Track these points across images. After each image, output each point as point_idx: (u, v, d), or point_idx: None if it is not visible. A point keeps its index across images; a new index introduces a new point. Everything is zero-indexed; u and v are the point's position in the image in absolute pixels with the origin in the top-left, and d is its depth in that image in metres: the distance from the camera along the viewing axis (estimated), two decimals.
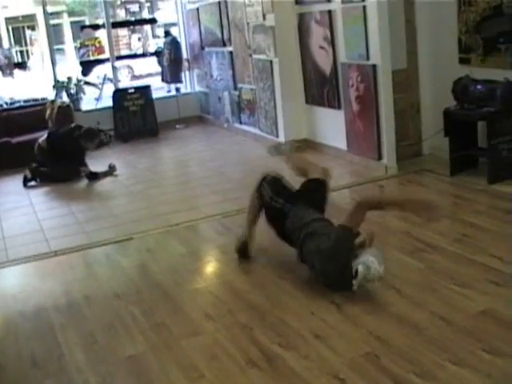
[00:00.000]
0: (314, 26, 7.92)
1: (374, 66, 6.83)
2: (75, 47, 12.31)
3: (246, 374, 3.52)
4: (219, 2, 9.70)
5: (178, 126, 11.10)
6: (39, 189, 8.12)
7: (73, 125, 8.69)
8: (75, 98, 10.57)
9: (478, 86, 6.26)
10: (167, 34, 11.77)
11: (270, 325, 4.01)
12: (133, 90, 10.93)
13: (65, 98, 10.43)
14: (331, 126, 8.04)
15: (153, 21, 12.00)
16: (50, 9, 11.46)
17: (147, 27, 13.52)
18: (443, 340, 3.60)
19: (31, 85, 14.00)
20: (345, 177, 7.18)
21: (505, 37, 6.19)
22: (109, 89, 11.49)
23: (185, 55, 11.56)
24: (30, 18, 15.56)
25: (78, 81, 10.84)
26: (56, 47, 11.52)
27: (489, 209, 5.70)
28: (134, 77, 16.54)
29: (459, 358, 3.41)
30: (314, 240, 4.35)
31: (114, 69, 11.40)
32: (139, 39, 13.54)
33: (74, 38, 12.69)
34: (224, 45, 9.92)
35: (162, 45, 11.84)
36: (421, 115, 7.47)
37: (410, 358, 3.46)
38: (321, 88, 8.07)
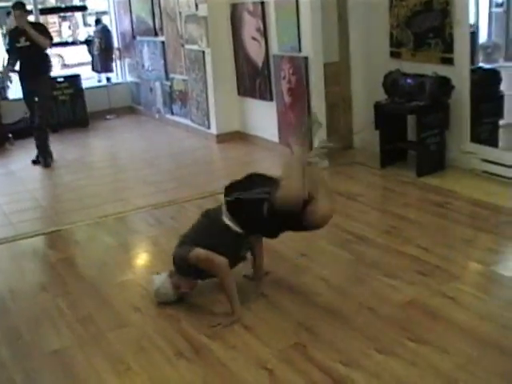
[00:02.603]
0: (247, 17, 7.90)
1: (306, 58, 6.86)
2: (1, 33, 11.96)
3: (174, 365, 3.49)
4: None
5: (108, 117, 10.93)
6: None
7: None
8: (1, 87, 10.27)
9: (408, 80, 6.35)
10: (98, 22, 11.59)
11: (198, 316, 3.99)
12: (62, 79, 10.68)
13: None
14: (263, 118, 8.05)
15: (83, 8, 11.78)
16: None
17: (78, 15, 13.26)
18: (370, 330, 3.65)
19: None
20: (276, 168, 7.18)
21: (434, 32, 6.29)
22: None
23: (116, 44, 11.39)
24: None
25: (4, 69, 10.52)
26: None
27: (417, 201, 5.81)
28: (65, 65, 16.22)
29: (385, 346, 3.45)
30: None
31: None
32: (69, 27, 13.27)
33: (1, 24, 12.32)
34: (156, 34, 9.80)
35: (92, 33, 11.63)
36: (352, 108, 7.53)
37: (337, 347, 3.49)
38: (253, 79, 8.06)
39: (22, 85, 8.32)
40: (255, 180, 4.18)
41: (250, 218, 4.03)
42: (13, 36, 8.22)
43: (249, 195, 4.00)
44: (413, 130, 6.45)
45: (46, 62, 8.27)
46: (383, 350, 3.42)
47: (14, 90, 10.54)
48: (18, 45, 8.03)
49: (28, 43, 7.94)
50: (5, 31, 11.23)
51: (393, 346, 3.46)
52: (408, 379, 3.18)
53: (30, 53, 7.98)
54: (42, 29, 8.25)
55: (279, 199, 3.86)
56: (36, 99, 8.13)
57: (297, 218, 3.91)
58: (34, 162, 8.26)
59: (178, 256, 4.07)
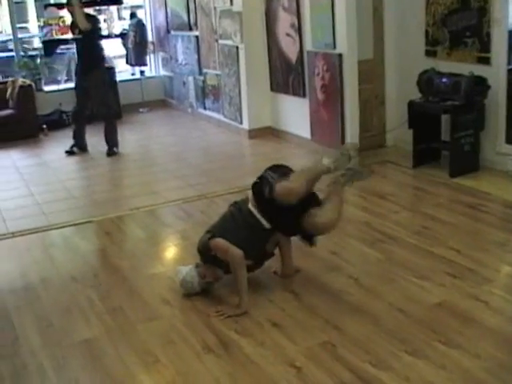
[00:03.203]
0: (282, 13, 7.88)
1: (340, 55, 6.83)
2: (39, 26, 12.07)
3: (202, 359, 3.50)
4: None
5: (141, 110, 10.98)
6: None
7: None
8: (37, 78, 10.38)
9: (443, 79, 6.29)
10: (133, 15, 11.59)
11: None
12: None
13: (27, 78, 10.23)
14: (295, 115, 8.03)
15: (119, 2, 11.80)
16: None
17: (113, 8, 13.31)
18: (399, 331, 3.62)
19: None
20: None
21: (471, 31, 6.22)
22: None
23: (150, 38, 11.42)
24: None
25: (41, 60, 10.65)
26: (19, 25, 11.27)
27: (449, 202, 5.76)
28: None
29: (415, 348, 3.43)
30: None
31: None
32: (105, 20, 13.32)
33: (38, 17, 12.44)
34: (190, 29, 9.82)
35: (127, 27, 11.67)
36: (385, 106, 7.49)
37: (366, 347, 3.47)
38: (286, 76, 8.04)
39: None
40: (276, 168, 4.28)
41: (260, 198, 4.16)
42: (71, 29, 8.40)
43: (264, 177, 4.17)
44: (447, 129, 6.38)
45: (97, 55, 8.33)
46: (413, 352, 3.39)
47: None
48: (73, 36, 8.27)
49: (80, 36, 8.08)
50: (42, 24, 11.33)
51: (422, 347, 3.43)
52: (437, 382, 3.15)
53: (82, 45, 8.19)
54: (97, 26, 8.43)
55: (278, 188, 4.01)
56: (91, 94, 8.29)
57: (296, 214, 4.05)
58: (68, 153, 8.33)
59: (201, 243, 4.18)
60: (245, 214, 4.18)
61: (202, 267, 4.18)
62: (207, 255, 4.15)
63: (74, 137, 8.46)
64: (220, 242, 4.06)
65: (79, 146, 8.45)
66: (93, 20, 8.25)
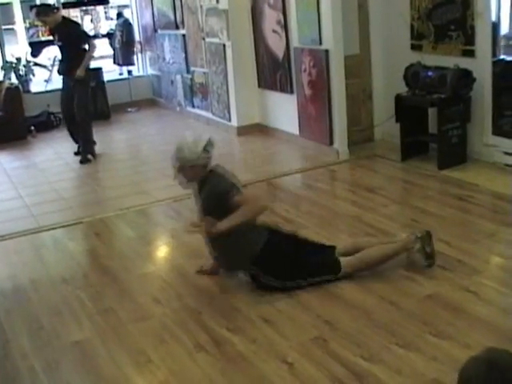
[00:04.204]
0: (268, 10, 7.87)
1: (327, 50, 6.83)
2: (25, 27, 12.04)
3: (194, 358, 3.50)
4: None
5: (129, 109, 10.95)
6: None
7: None
8: (24, 80, 10.35)
9: (429, 73, 6.31)
10: (119, 15, 11.58)
11: (219, 309, 4.00)
12: None
13: (14, 80, 10.19)
14: (283, 111, 8.03)
15: (105, 2, 11.78)
16: None
17: (100, 8, 13.29)
18: (391, 324, 3.63)
19: None
20: (297, 161, 7.20)
21: (456, 24, 6.24)
22: None
23: (137, 37, 11.40)
24: None
25: (28, 62, 10.61)
26: (5, 27, 11.23)
27: (438, 194, 5.78)
28: None
29: (406, 341, 3.44)
30: None
31: None
32: (91, 20, 13.29)
33: (24, 18, 12.41)
34: (177, 27, 9.80)
35: (114, 27, 11.65)
36: (373, 101, 7.50)
37: (357, 341, 3.48)
38: (273, 72, 8.04)
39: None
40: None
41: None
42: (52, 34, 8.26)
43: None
44: (434, 122, 6.39)
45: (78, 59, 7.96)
46: (404, 345, 3.40)
47: (36, 83, 10.67)
48: (55, 43, 8.11)
49: (60, 43, 7.97)
50: (28, 25, 11.30)
51: (414, 340, 3.44)
52: (429, 374, 3.16)
53: (65, 51, 8.03)
54: (78, 32, 8.11)
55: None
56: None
57: None
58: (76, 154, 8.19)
59: (220, 189, 4.09)
60: None
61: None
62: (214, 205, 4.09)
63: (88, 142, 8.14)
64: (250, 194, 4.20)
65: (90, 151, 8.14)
66: (73, 27, 8.10)
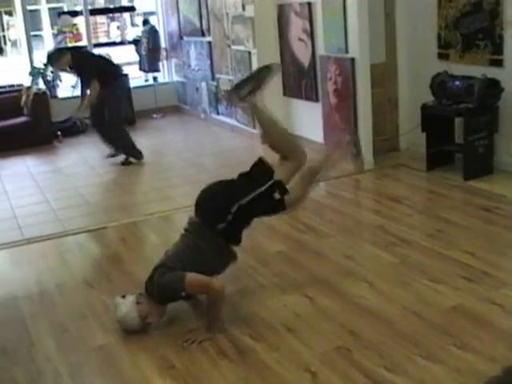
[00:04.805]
0: (294, 18, 7.89)
1: (353, 59, 6.82)
2: (52, 34, 12.18)
3: (217, 365, 3.50)
4: None
5: (154, 116, 11.02)
6: (13, 176, 8.01)
7: None
8: (52, 85, 10.45)
9: (456, 82, 6.27)
10: (146, 22, 11.68)
11: (242, 317, 4.00)
12: None
13: (41, 85, 10.30)
14: (308, 119, 8.03)
15: (132, 9, 11.89)
16: None
17: (126, 15, 13.40)
18: (414, 335, 3.61)
19: (7, 71, 13.83)
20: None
21: (483, 33, 6.21)
22: None
23: (163, 44, 11.48)
24: (7, 2, 15.37)
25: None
26: (33, 33, 11.37)
27: (463, 205, 5.74)
28: None
29: (430, 352, 3.42)
30: None
31: None
32: (118, 27, 13.41)
33: (52, 25, 12.55)
34: (203, 35, 9.86)
35: (140, 33, 11.74)
36: (398, 110, 7.47)
37: (381, 352, 3.47)
38: (299, 80, 8.05)
39: None
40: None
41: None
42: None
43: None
44: (460, 132, 6.36)
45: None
46: (427, 356, 3.38)
47: (63, 89, 10.77)
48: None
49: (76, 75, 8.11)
50: (56, 31, 11.43)
51: (437, 351, 3.42)
52: None
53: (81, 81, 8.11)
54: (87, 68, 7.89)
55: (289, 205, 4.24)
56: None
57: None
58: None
59: (165, 284, 3.80)
60: (208, 236, 4.11)
61: (144, 304, 3.82)
62: (164, 296, 3.85)
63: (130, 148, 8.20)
64: (199, 278, 3.78)
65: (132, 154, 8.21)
66: (81, 65, 7.88)
